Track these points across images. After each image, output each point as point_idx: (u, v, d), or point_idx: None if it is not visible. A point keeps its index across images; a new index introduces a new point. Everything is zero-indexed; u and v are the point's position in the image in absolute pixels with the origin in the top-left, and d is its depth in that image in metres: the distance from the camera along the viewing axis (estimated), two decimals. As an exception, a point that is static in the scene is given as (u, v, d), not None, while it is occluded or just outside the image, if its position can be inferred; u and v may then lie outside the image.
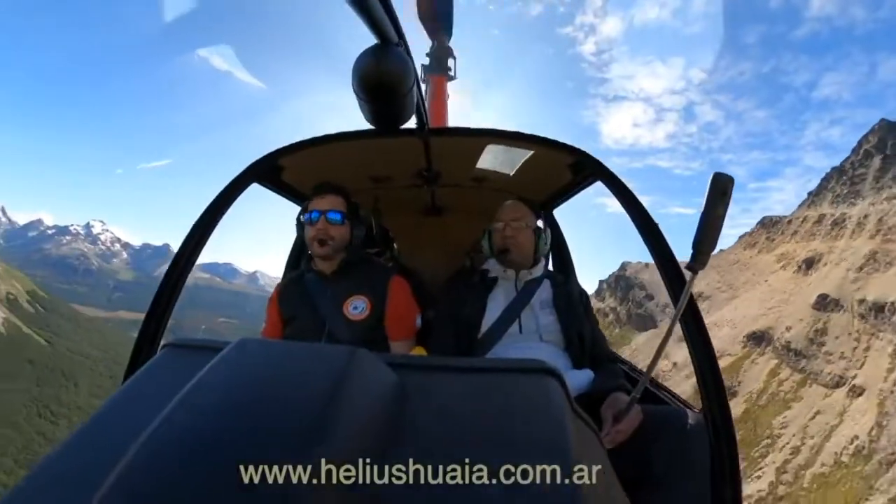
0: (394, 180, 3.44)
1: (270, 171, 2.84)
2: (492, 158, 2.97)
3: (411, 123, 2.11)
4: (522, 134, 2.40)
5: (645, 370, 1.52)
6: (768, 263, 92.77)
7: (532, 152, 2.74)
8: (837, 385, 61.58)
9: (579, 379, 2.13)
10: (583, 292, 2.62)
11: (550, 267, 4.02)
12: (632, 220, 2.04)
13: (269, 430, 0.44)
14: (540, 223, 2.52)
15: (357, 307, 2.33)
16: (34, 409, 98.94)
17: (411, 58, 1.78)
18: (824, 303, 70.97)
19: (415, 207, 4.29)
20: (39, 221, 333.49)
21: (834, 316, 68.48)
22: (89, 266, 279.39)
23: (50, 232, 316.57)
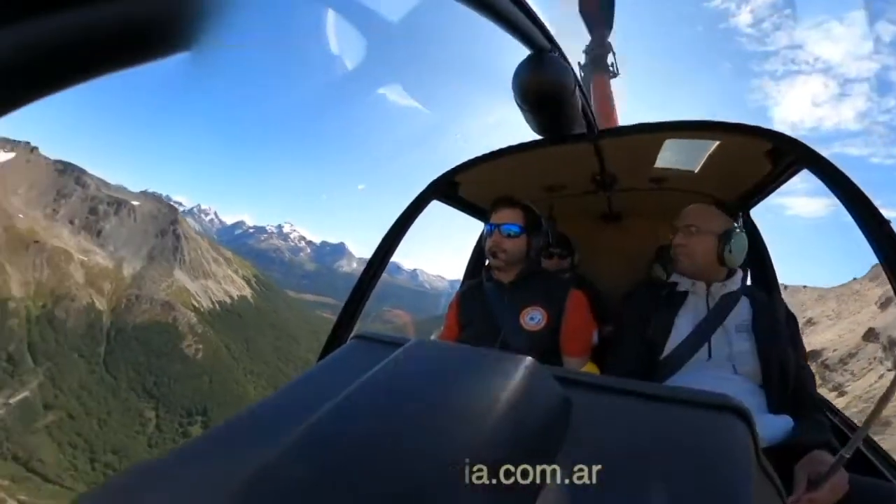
0: (568, 188, 3.38)
1: (448, 189, 2.98)
2: (672, 155, 2.76)
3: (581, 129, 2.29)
4: (707, 122, 2.17)
5: (860, 425, 1.08)
6: None
7: (719, 143, 2.48)
8: None
9: (774, 426, 1.74)
10: (790, 315, 2.16)
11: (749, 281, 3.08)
12: (854, 218, 1.73)
13: (437, 429, 0.45)
14: (735, 226, 2.11)
15: (534, 318, 2.29)
16: (279, 357, 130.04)
17: (568, 62, 1.80)
18: None
19: (591, 215, 4.14)
20: (243, 222, 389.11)
21: None
22: (282, 258, 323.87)
23: (251, 231, 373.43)
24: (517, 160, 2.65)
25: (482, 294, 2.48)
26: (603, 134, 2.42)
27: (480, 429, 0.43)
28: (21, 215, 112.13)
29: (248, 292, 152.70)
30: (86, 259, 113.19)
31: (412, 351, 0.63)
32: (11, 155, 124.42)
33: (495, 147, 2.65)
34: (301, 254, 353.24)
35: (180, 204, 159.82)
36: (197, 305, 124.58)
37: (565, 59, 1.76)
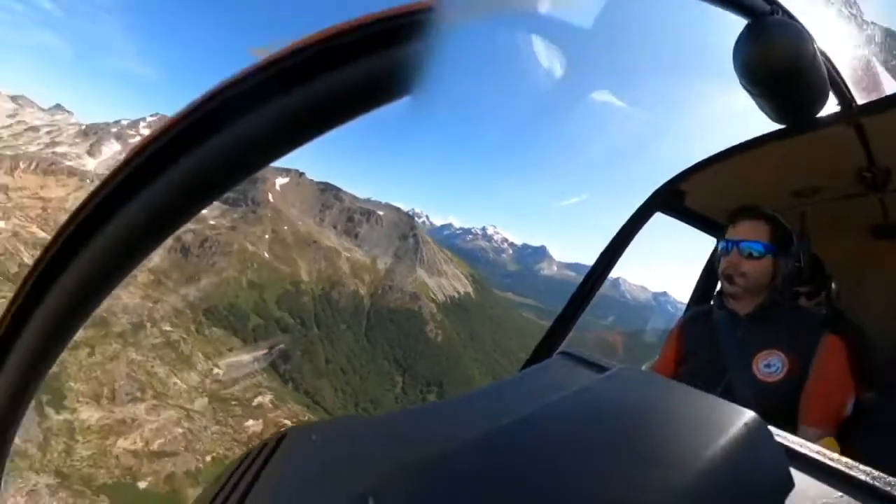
0: (823, 191, 2.57)
1: (673, 199, 2.57)
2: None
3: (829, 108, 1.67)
4: None
5: None
6: None
7: None
8: None
9: None
10: None
11: None
12: None
13: (627, 465, 0.40)
14: None
15: (771, 365, 1.80)
16: (496, 349, 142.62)
17: (797, 21, 1.36)
18: None
19: (857, 226, 3.05)
20: (450, 224, 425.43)
21: None
22: (487, 258, 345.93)
23: (458, 232, 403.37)
24: (754, 158, 2.14)
25: (710, 325, 2.05)
26: (867, 109, 1.78)
27: (675, 479, 0.38)
28: (300, 223, 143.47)
29: (470, 289, 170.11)
30: (349, 256, 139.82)
31: (618, 378, 0.58)
32: (286, 179, 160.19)
33: (724, 145, 2.13)
34: (503, 255, 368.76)
35: (398, 209, 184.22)
36: (434, 298, 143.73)
37: (793, 17, 1.34)
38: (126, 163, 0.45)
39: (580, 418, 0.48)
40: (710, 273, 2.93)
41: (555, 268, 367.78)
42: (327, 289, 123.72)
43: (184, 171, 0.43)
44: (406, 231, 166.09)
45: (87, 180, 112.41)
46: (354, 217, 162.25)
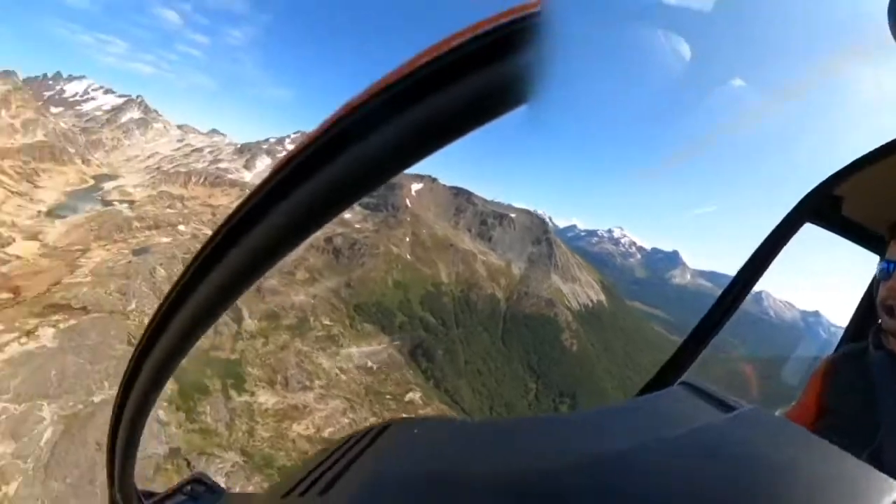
0: None
1: (825, 207, 2.21)
2: None
3: None
4: None
5: None
6: None
7: None
8: None
9: None
10: None
11: None
12: None
13: None
14: None
15: None
16: (627, 363, 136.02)
17: None
18: None
19: None
20: (574, 226, 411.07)
21: None
22: (613, 262, 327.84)
23: (583, 234, 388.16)
24: None
25: (864, 368, 1.70)
26: None
27: None
28: (437, 226, 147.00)
29: (602, 297, 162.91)
30: (485, 259, 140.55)
31: (747, 420, 0.54)
32: (421, 185, 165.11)
33: (885, 139, 1.79)
34: (631, 259, 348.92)
35: (529, 212, 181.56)
36: (568, 305, 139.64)
37: None
38: (271, 175, 0.51)
39: (698, 457, 0.45)
40: (870, 302, 2.26)
41: (688, 276, 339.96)
42: (465, 291, 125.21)
43: (319, 181, 0.48)
44: (539, 235, 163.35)
45: (246, 190, 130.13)
46: (487, 220, 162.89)
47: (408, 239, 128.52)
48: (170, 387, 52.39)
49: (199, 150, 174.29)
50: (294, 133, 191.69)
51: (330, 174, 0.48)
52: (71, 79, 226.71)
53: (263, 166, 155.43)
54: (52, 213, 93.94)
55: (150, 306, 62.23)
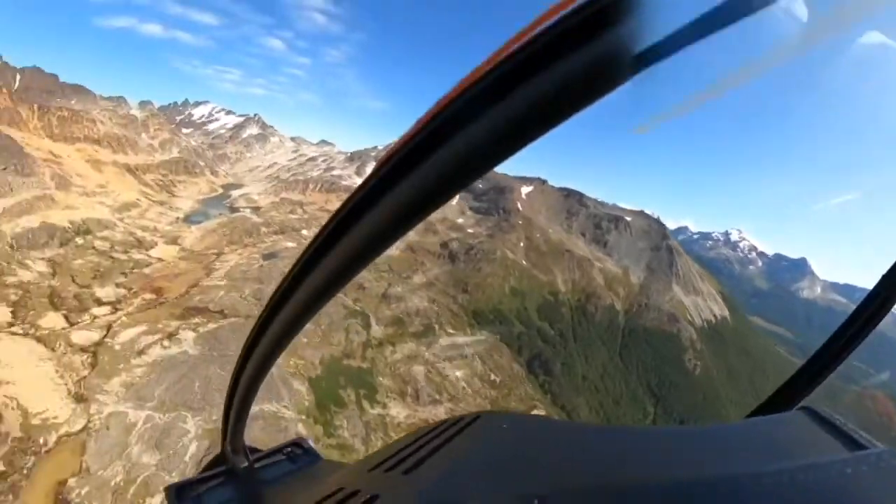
0: None
1: None
2: None
3: None
4: None
5: None
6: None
7: None
8: None
9: None
10: None
11: None
12: None
13: None
14: None
15: None
16: (752, 392, 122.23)
17: None
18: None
19: None
20: (686, 228, 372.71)
21: None
22: (731, 270, 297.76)
23: (695, 237, 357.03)
24: None
25: None
26: None
27: None
28: (550, 230, 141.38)
29: (726, 312, 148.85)
30: (601, 266, 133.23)
31: (884, 463, 0.48)
32: (531, 187, 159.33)
33: None
34: (751, 267, 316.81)
35: (646, 214, 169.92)
36: (691, 320, 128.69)
37: None
38: (370, 177, 0.58)
39: (820, 497, 0.41)
40: None
41: (818, 289, 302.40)
42: (583, 300, 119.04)
43: (415, 179, 0.52)
44: (658, 240, 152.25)
45: None
46: (602, 224, 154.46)
47: (522, 244, 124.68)
48: (306, 398, 53.06)
49: (313, 159, 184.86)
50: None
51: (433, 165, 0.50)
52: (197, 104, 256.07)
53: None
54: (188, 218, 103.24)
55: None
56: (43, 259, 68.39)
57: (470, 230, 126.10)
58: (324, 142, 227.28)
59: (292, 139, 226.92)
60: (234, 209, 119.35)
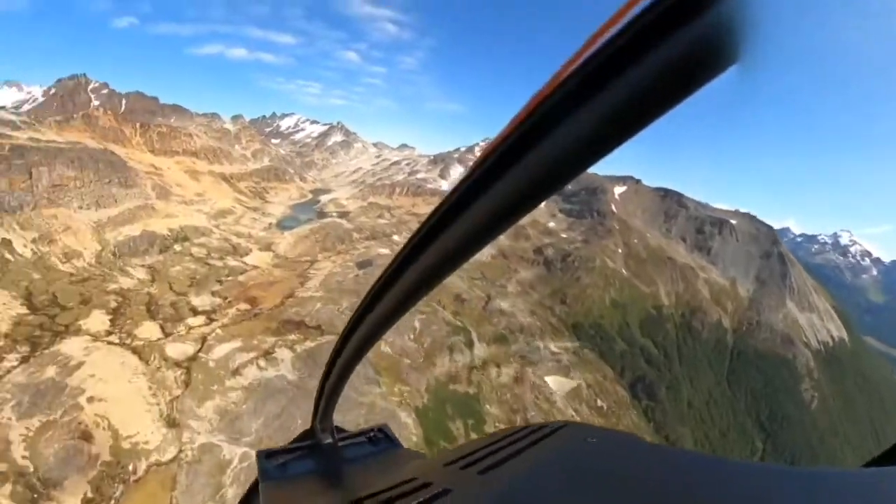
0: None
1: None
2: None
3: None
4: None
5: None
6: None
7: None
8: None
9: None
10: None
11: None
12: None
13: None
14: None
15: None
16: (873, 430, 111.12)
17: None
18: None
19: None
20: (788, 229, 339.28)
21: None
22: (841, 279, 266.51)
23: (798, 239, 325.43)
24: None
25: None
26: None
27: None
28: (648, 235, 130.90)
29: (843, 333, 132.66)
30: (706, 276, 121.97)
31: None
32: (624, 187, 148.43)
33: None
34: (864, 276, 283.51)
35: (752, 217, 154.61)
36: (807, 343, 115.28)
37: None
38: (465, 179, 0.59)
39: None
40: None
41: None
42: (688, 316, 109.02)
43: (509, 182, 0.51)
44: (767, 246, 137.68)
45: None
46: (704, 228, 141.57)
47: (620, 250, 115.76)
48: (413, 432, 49.34)
49: (397, 163, 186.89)
50: (481, 140, 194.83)
51: (526, 168, 0.50)
52: (283, 116, 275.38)
53: (457, 175, 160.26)
54: (281, 224, 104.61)
55: (387, 334, 61.37)
56: (143, 266, 69.74)
57: (563, 235, 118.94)
58: (404, 146, 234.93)
59: (374, 145, 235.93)
60: (323, 214, 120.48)
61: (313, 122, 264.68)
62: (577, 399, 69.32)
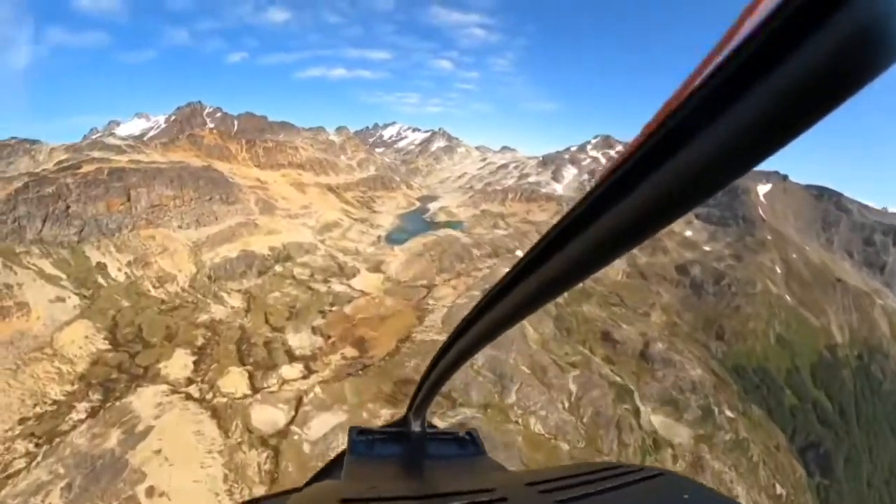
0: None
1: None
2: None
3: None
4: None
5: None
6: None
7: None
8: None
9: None
10: None
11: None
12: None
13: None
14: None
15: None
16: None
17: None
18: None
19: None
20: None
21: None
22: None
23: None
24: None
25: None
26: None
27: None
28: (807, 247, 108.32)
29: None
30: (882, 303, 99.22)
31: None
32: (769, 185, 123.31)
33: None
34: None
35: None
36: None
37: None
38: (595, 189, 0.54)
39: None
40: None
41: None
42: (865, 358, 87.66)
43: (652, 185, 0.46)
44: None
45: (563, 204, 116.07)
46: (874, 238, 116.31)
47: (779, 269, 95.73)
48: None
49: (504, 166, 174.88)
50: (592, 138, 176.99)
51: (667, 174, 0.45)
52: (385, 126, 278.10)
53: (570, 177, 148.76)
54: (390, 237, 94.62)
55: (538, 404, 48.44)
56: (239, 291, 61.37)
57: (706, 248, 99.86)
58: (506, 148, 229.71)
59: (476, 148, 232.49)
60: (433, 223, 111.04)
61: (415, 129, 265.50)
62: (757, 486, 54.22)
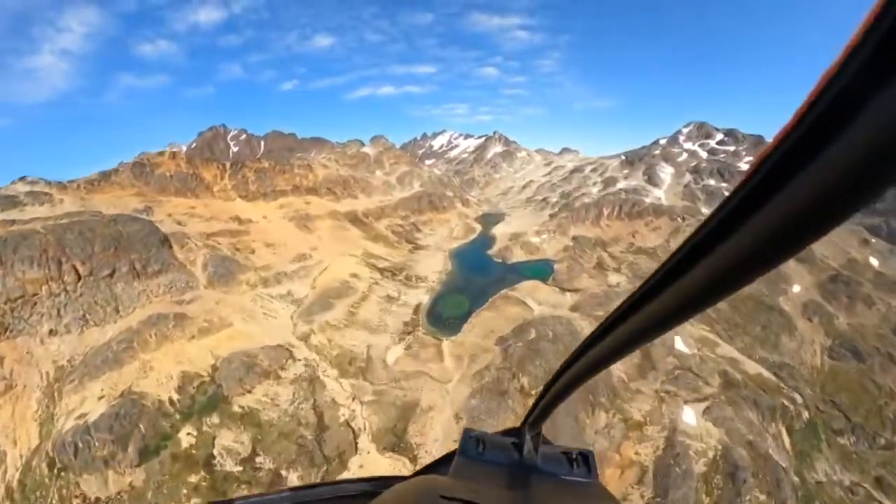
0: None
1: None
2: None
3: None
4: None
5: None
6: None
7: None
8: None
9: None
10: None
11: None
12: None
13: None
14: None
15: None
16: None
17: None
18: None
19: None
20: None
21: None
22: None
23: None
24: None
25: None
26: None
27: None
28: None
29: None
30: None
31: None
32: None
33: None
34: None
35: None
36: None
37: None
38: (742, 184, 0.47)
39: None
40: None
41: None
42: None
43: (802, 187, 0.40)
44: None
45: (677, 218, 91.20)
46: None
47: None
48: None
49: (578, 169, 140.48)
50: (685, 126, 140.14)
51: (810, 180, 0.40)
52: (434, 135, 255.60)
53: (669, 178, 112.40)
54: (435, 309, 62.88)
55: None
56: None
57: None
58: (566, 150, 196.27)
59: (536, 152, 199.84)
60: (507, 265, 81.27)
61: (467, 136, 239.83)
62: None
